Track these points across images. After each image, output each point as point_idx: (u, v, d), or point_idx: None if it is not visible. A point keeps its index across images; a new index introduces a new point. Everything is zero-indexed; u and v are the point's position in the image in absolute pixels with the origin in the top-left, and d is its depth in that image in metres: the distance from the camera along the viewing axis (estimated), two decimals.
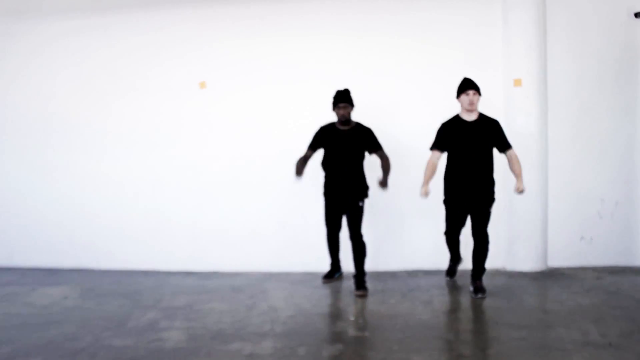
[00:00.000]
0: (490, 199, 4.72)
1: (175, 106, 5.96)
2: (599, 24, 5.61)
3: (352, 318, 4.25)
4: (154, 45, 5.98)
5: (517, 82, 5.47)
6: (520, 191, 4.69)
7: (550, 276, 5.38)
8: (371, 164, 5.13)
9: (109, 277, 5.69)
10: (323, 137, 5.05)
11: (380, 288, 5.06)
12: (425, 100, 5.71)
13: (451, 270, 5.24)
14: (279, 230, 5.85)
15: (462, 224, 4.88)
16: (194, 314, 4.40)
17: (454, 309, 4.40)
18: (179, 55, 5.95)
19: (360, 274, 4.95)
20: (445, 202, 4.84)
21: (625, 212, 5.68)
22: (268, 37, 5.86)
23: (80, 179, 6.10)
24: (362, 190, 5.02)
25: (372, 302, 4.61)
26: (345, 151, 4.97)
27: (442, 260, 5.45)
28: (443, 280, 5.27)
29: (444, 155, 4.80)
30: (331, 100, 5.01)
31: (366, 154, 5.07)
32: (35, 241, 6.17)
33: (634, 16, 5.51)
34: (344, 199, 5.00)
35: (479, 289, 4.68)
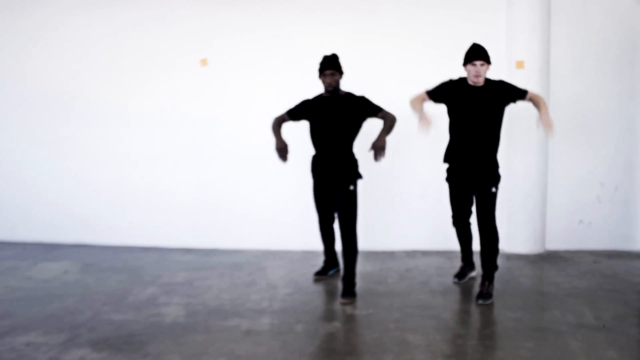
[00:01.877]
0: (494, 176, 4.21)
1: (177, 83, 5.94)
2: (603, 8, 5.58)
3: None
4: (154, 21, 5.94)
5: (520, 65, 5.44)
6: (547, 126, 4.10)
7: (547, 259, 5.42)
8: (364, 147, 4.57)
9: (109, 252, 5.72)
10: (307, 109, 4.48)
11: (378, 268, 5.10)
12: (428, 82, 5.67)
13: (460, 273, 4.68)
14: (279, 208, 5.87)
15: (468, 205, 4.37)
16: (193, 290, 4.44)
17: (450, 289, 4.43)
18: (181, 32, 5.91)
19: (348, 277, 4.25)
20: (448, 179, 4.42)
21: (625, 196, 5.69)
22: (272, 13, 5.82)
23: (81, 155, 6.11)
24: (353, 170, 4.35)
25: (370, 282, 4.64)
26: (333, 122, 4.34)
27: (441, 241, 5.49)
28: (440, 261, 5.30)
29: (446, 126, 4.37)
30: (317, 67, 4.44)
31: (360, 129, 4.45)
32: (37, 216, 6.20)
33: (637, 1, 5.46)
34: (333, 179, 4.37)
35: (481, 294, 4.14)
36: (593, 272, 4.92)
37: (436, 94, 4.28)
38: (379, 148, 4.14)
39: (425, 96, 4.29)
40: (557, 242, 5.70)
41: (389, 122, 4.29)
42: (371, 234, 5.64)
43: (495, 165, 4.25)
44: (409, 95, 5.74)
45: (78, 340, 3.40)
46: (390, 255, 5.58)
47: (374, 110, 4.37)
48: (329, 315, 3.92)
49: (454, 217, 4.51)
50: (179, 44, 5.91)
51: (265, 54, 5.83)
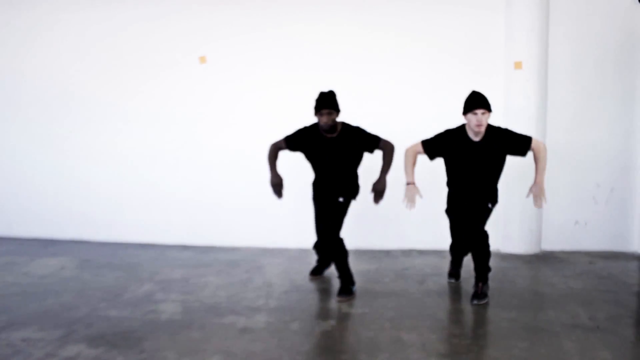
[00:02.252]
0: (493, 198, 4.23)
1: (176, 81, 5.95)
2: (601, 9, 5.60)
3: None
4: (152, 19, 5.94)
5: (518, 65, 5.46)
6: (537, 199, 4.09)
7: (543, 259, 5.44)
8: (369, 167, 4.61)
9: (106, 249, 5.73)
10: (305, 143, 4.33)
11: (375, 267, 5.11)
12: (427, 83, 5.71)
13: (455, 273, 4.66)
14: (277, 207, 5.86)
15: (463, 230, 4.33)
16: (189, 287, 4.46)
17: (446, 289, 4.44)
18: (179, 29, 5.92)
19: (342, 277, 4.28)
20: (448, 212, 4.41)
21: (620, 198, 5.72)
22: (272, 11, 5.82)
23: (78, 152, 6.11)
24: (351, 188, 4.39)
25: (366, 280, 4.66)
26: (334, 162, 4.30)
27: (437, 240, 5.51)
28: (436, 260, 5.32)
29: (443, 171, 4.35)
30: (313, 103, 4.27)
31: (361, 159, 4.45)
32: (34, 212, 6.21)
33: (637, 2, 5.48)
34: (328, 196, 4.36)
35: (476, 294, 4.14)
36: (588, 272, 4.95)
37: (433, 149, 4.17)
38: (379, 192, 4.20)
39: (421, 149, 4.19)
40: (552, 243, 5.73)
41: (388, 156, 4.25)
42: (368, 233, 5.67)
43: (495, 193, 4.26)
44: (407, 93, 5.77)
45: (74, 336, 3.41)
46: (387, 254, 5.59)
47: (373, 143, 4.29)
48: (324, 314, 3.94)
49: (453, 245, 4.56)
50: (177, 43, 5.92)
51: (264, 53, 5.83)
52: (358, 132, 4.29)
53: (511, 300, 4.16)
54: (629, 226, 5.72)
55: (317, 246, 4.75)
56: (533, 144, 4.07)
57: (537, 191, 4.06)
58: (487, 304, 4.07)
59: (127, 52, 6.00)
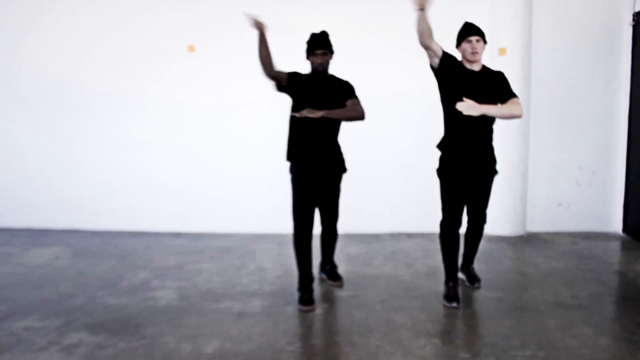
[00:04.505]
0: (494, 169, 3.93)
1: (167, 69, 5.98)
2: None
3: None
4: (146, 8, 5.95)
5: (502, 51, 5.57)
6: (464, 104, 3.59)
7: (528, 240, 5.60)
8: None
9: (99, 237, 5.80)
10: (297, 82, 3.95)
11: (365, 250, 5.24)
12: (413, 70, 5.78)
13: (454, 295, 3.86)
14: (267, 193, 5.97)
15: (463, 205, 3.90)
16: (184, 274, 4.55)
17: (434, 270, 4.58)
18: (172, 18, 5.92)
19: (334, 264, 4.38)
20: (441, 172, 3.86)
21: (602, 180, 5.90)
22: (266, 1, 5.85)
23: (69, 140, 6.14)
24: (341, 161, 4.09)
25: (357, 264, 4.79)
26: (325, 104, 3.85)
27: (424, 223, 5.64)
28: (425, 243, 5.45)
29: (440, 115, 3.90)
30: (305, 46, 4.02)
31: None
32: (25, 202, 6.23)
33: None
34: (321, 173, 3.95)
35: (475, 277, 4.21)
36: (571, 253, 5.11)
37: (446, 53, 3.75)
38: (306, 112, 3.70)
39: (437, 43, 3.70)
40: (537, 224, 5.89)
41: (350, 112, 3.87)
42: (357, 217, 5.78)
43: (493, 152, 3.96)
44: (388, 78, 5.81)
45: (75, 324, 3.50)
46: (376, 237, 5.72)
47: (350, 96, 3.98)
48: (317, 297, 4.04)
49: (445, 222, 3.88)
50: (169, 32, 5.93)
51: (254, 40, 5.86)
52: (346, 83, 4.07)
53: (497, 281, 4.31)
54: (610, 207, 5.90)
55: (302, 250, 3.94)
56: (515, 99, 3.78)
57: (471, 103, 3.60)
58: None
59: (120, 40, 6.00)
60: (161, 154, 6.07)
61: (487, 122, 3.79)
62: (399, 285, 4.23)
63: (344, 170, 4.11)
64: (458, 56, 3.83)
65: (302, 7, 5.81)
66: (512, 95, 3.81)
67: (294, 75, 3.96)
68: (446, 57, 3.73)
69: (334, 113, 3.79)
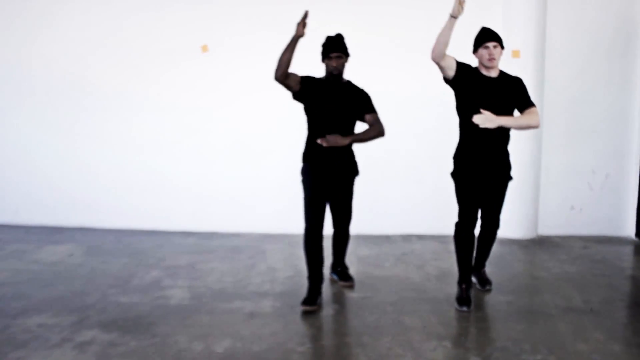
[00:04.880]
0: (508, 174, 3.92)
1: (178, 68, 6.01)
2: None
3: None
4: (157, 8, 5.99)
5: (515, 54, 5.55)
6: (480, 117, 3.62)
7: (540, 244, 5.58)
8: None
9: (112, 236, 5.84)
10: (310, 87, 3.89)
11: (375, 252, 5.24)
12: (425, 72, 5.75)
13: (466, 298, 3.85)
14: (278, 193, 5.98)
15: (478, 207, 3.88)
16: (195, 273, 4.58)
17: (445, 273, 4.57)
18: (184, 18, 5.96)
19: (345, 266, 4.39)
20: (455, 175, 3.86)
21: (615, 183, 5.86)
22: (278, 2, 5.87)
23: (83, 139, 6.19)
24: (354, 164, 4.10)
25: (368, 265, 4.79)
26: (339, 109, 3.91)
27: (436, 225, 5.64)
28: (436, 245, 5.44)
29: (453, 117, 3.88)
30: (320, 49, 3.98)
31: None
32: (40, 200, 6.30)
33: None
34: (333, 175, 3.97)
35: (486, 280, 4.21)
36: (583, 257, 5.09)
37: (461, 63, 3.72)
38: (333, 138, 3.79)
39: (449, 55, 3.68)
40: (549, 228, 5.87)
41: (373, 132, 3.97)
42: (368, 218, 5.77)
43: (509, 164, 3.95)
44: (403, 84, 5.82)
45: (88, 321, 3.54)
46: (387, 239, 5.72)
47: (369, 110, 4.00)
48: (328, 298, 4.06)
49: (461, 224, 3.88)
50: (182, 32, 5.97)
51: (269, 44, 5.85)
52: (363, 92, 4.05)
53: (509, 284, 4.30)
54: (622, 211, 5.86)
55: (315, 251, 3.94)
56: (533, 109, 3.77)
57: (488, 116, 3.62)
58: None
59: (131, 40, 6.04)
60: (174, 153, 6.10)
61: (503, 130, 3.77)
62: (409, 288, 4.23)
63: (357, 173, 4.12)
64: (472, 62, 3.81)
65: (314, 8, 5.81)
66: (529, 104, 3.78)
67: (307, 80, 3.89)
68: (461, 67, 3.70)
69: (358, 137, 3.92)
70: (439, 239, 5.60)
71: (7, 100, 6.29)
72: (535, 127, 3.79)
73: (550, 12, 5.65)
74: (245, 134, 5.99)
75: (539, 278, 4.51)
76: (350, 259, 4.85)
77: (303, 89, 3.86)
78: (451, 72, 3.68)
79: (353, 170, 4.09)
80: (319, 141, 3.78)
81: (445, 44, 3.57)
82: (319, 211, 3.94)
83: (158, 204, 6.15)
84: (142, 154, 6.14)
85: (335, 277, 4.39)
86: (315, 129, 3.94)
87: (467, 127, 3.76)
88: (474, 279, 4.22)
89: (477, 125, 3.63)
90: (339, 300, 4.01)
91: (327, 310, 3.78)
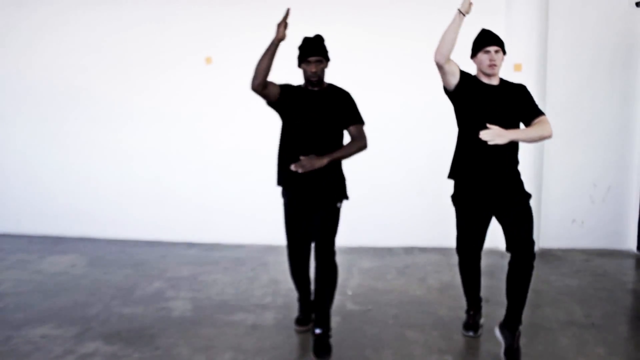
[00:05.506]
0: (523, 191, 3.38)
1: (181, 79, 6.05)
2: (600, 12, 5.72)
3: (349, 293, 4.43)
4: (159, 18, 6.03)
5: (517, 67, 5.58)
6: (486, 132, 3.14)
7: (541, 257, 5.53)
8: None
9: (114, 246, 5.86)
10: (289, 98, 3.48)
11: (377, 264, 5.25)
12: (427, 85, 5.80)
13: (473, 324, 3.63)
14: (281, 204, 5.98)
15: (481, 234, 3.52)
16: (198, 285, 4.59)
17: (447, 286, 4.58)
18: (185, 29, 6.01)
19: (325, 316, 3.36)
20: (455, 199, 3.49)
21: (617, 197, 5.86)
22: (277, 12, 5.89)
23: (86, 149, 6.22)
24: (340, 183, 3.48)
25: (369, 278, 4.80)
26: (321, 122, 3.40)
27: (438, 237, 5.64)
28: (438, 257, 5.45)
29: (453, 134, 3.50)
30: (297, 52, 3.53)
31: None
32: (42, 210, 6.32)
33: (635, 5, 5.61)
34: (314, 195, 3.42)
35: (515, 352, 3.22)
36: (585, 270, 5.09)
37: (463, 72, 3.37)
38: (308, 162, 3.27)
39: (454, 62, 3.35)
40: (550, 241, 5.86)
41: (354, 148, 3.41)
42: (370, 230, 5.81)
43: (519, 178, 3.46)
44: (403, 95, 5.82)
45: (91, 333, 3.56)
46: (389, 251, 5.73)
47: (354, 120, 3.46)
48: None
49: (460, 249, 3.59)
50: (183, 42, 6.02)
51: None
52: (346, 95, 3.51)
53: None
54: (624, 224, 5.87)
55: (298, 275, 3.68)
56: (542, 117, 3.35)
57: (497, 130, 3.15)
58: (486, 300, 4.19)
59: (132, 51, 6.09)
60: (177, 164, 6.13)
61: (511, 147, 3.31)
62: (411, 300, 4.24)
63: (343, 198, 3.48)
64: (471, 70, 3.45)
65: (315, 18, 5.87)
66: (538, 113, 3.37)
67: (287, 89, 3.48)
68: (464, 76, 3.35)
69: (338, 155, 3.36)
70: (441, 251, 5.61)
71: (10, 111, 6.34)
72: (548, 137, 3.35)
73: (552, 26, 5.68)
74: (248, 145, 6.02)
75: (541, 291, 4.52)
76: (352, 272, 4.88)
77: (282, 100, 3.47)
78: (454, 80, 3.32)
79: (337, 195, 3.44)
80: (292, 167, 3.28)
81: (452, 43, 3.26)
82: (300, 240, 3.55)
83: (161, 215, 6.17)
84: (145, 165, 6.17)
85: (312, 340, 3.40)
86: (292, 145, 3.46)
87: (468, 143, 3.35)
88: (500, 338, 3.34)
89: (480, 140, 3.17)
90: (340, 313, 4.01)
91: None
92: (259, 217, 6.06)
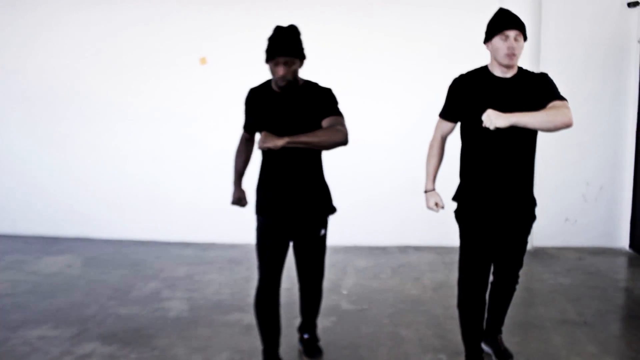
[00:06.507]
0: (531, 214, 3.04)
1: (176, 81, 6.07)
2: (593, 13, 5.77)
3: (344, 292, 4.46)
4: (154, 19, 6.04)
5: None
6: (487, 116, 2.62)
7: (534, 255, 5.62)
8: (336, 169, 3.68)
9: (110, 246, 5.87)
10: (254, 107, 3.07)
11: (372, 263, 5.28)
12: (420, 85, 5.85)
13: None
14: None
15: (488, 260, 2.96)
16: (194, 285, 4.61)
17: (441, 285, 4.61)
18: (179, 30, 6.02)
19: (312, 324, 3.39)
20: (459, 215, 2.98)
21: (609, 196, 5.92)
22: (271, 11, 5.91)
23: (81, 150, 6.23)
24: (325, 204, 3.06)
25: (364, 277, 4.83)
26: (290, 128, 2.83)
27: (432, 237, 5.68)
28: (432, 256, 5.48)
29: (455, 131, 3.05)
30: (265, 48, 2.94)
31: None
32: (37, 210, 6.32)
33: (627, 6, 5.66)
34: (294, 220, 3.00)
35: (505, 352, 3.19)
36: (577, 268, 5.14)
37: (451, 112, 2.95)
38: (270, 140, 2.69)
39: (442, 121, 3.02)
40: (544, 239, 5.91)
41: (328, 135, 2.79)
42: (364, 229, 5.84)
43: (532, 200, 3.04)
44: (396, 97, 5.86)
45: (87, 334, 3.57)
46: (383, 250, 5.76)
47: (327, 112, 2.89)
48: (325, 311, 4.05)
49: (463, 281, 2.97)
50: (178, 43, 6.02)
51: (262, 53, 5.95)
52: (324, 91, 2.98)
53: None
54: (617, 223, 5.92)
55: (263, 315, 3.08)
56: (557, 102, 2.75)
57: (492, 112, 2.62)
58: None
59: (128, 52, 6.10)
60: (172, 164, 6.14)
61: (521, 149, 2.90)
62: (406, 300, 4.27)
63: (330, 212, 3.12)
64: (470, 64, 3.06)
65: (309, 17, 5.89)
66: (553, 97, 2.75)
67: (249, 112, 3.16)
68: (451, 111, 2.97)
69: (301, 139, 2.74)
70: (435, 250, 5.65)
71: (5, 111, 6.34)
72: (567, 125, 2.69)
73: (544, 26, 5.72)
74: None
75: (534, 290, 4.56)
76: (347, 271, 4.90)
77: (249, 124, 3.23)
78: (457, 122, 2.99)
79: (324, 209, 3.07)
80: (257, 146, 2.77)
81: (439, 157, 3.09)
82: (275, 262, 3.03)
83: (156, 215, 6.18)
84: (140, 165, 6.17)
85: (300, 346, 3.41)
86: (269, 161, 3.04)
87: (472, 152, 2.92)
88: (488, 350, 3.27)
89: (486, 147, 2.81)
90: (335, 312, 4.04)
91: (324, 323, 3.81)
92: (254, 216, 6.07)
